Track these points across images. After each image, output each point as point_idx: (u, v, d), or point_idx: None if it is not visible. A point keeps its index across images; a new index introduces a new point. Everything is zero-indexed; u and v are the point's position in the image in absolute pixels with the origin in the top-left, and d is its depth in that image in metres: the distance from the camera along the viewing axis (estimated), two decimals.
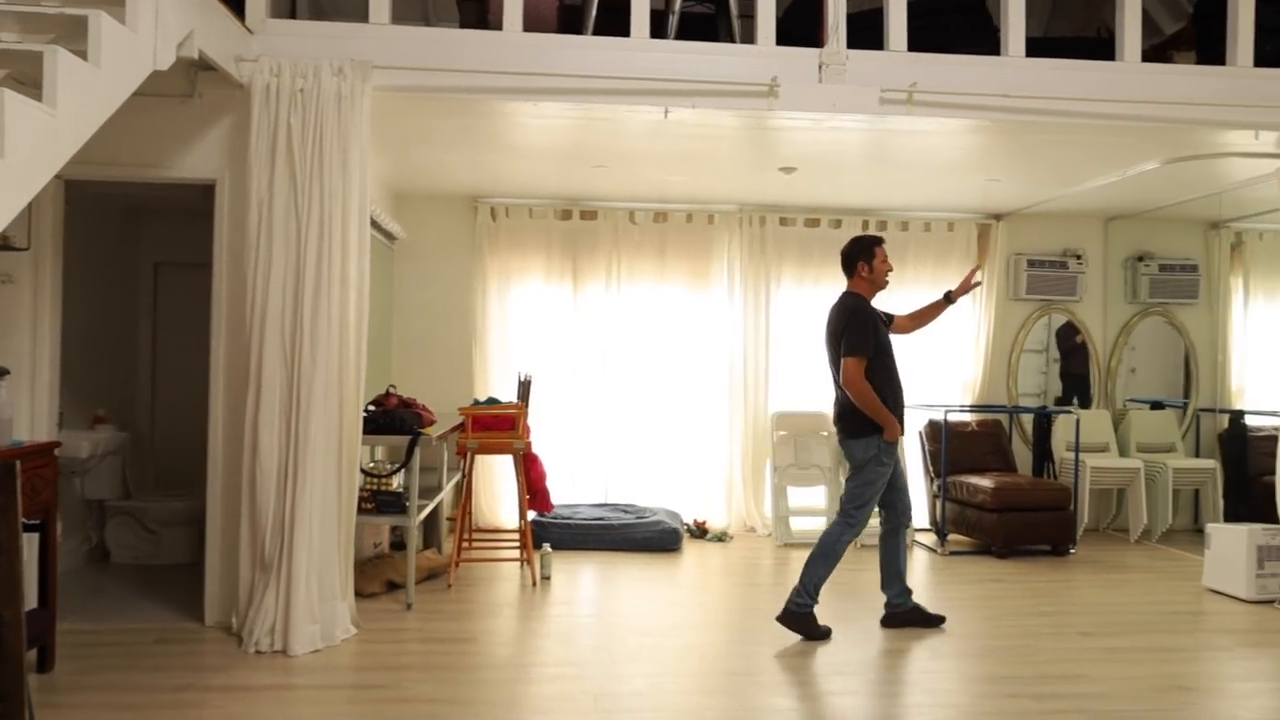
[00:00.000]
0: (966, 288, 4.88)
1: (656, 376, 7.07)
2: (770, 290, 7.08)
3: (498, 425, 5.55)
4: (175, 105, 4.43)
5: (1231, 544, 5.17)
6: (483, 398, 6.28)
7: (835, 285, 7.02)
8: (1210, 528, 5.36)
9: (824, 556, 4.47)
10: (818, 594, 4.44)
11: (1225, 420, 7.21)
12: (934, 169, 5.90)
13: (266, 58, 4.23)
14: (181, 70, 4.14)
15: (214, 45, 3.99)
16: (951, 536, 6.69)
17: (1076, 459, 6.52)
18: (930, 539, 6.77)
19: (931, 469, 6.88)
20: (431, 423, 5.12)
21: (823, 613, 4.55)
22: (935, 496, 6.82)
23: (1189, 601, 5.15)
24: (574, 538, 6.28)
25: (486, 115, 4.84)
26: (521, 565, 5.78)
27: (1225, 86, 4.83)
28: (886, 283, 4.65)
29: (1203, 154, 5.29)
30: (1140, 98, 4.73)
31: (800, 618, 4.41)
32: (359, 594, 4.66)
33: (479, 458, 6.45)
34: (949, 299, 4.90)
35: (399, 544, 5.86)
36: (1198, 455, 7.22)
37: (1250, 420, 6.99)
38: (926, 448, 6.95)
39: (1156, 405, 7.38)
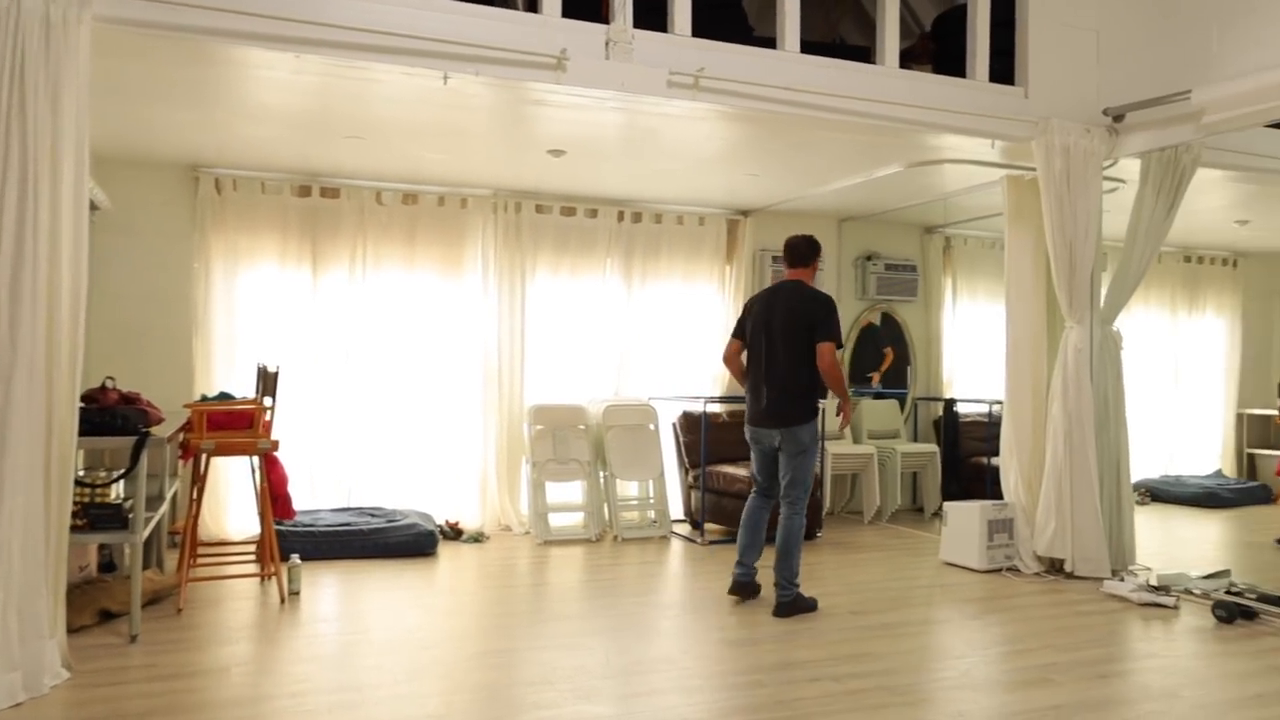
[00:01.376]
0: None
1: (405, 369, 6.59)
2: (526, 279, 6.82)
3: (233, 423, 4.88)
4: None
5: (965, 520, 5.61)
6: (210, 393, 5.52)
7: (592, 275, 7.03)
8: (947, 506, 5.79)
9: (794, 548, 4.61)
10: (798, 576, 4.60)
11: (939, 408, 7.90)
12: (697, 160, 5.92)
13: None
14: None
15: None
16: (708, 526, 6.80)
17: (823, 447, 6.84)
18: (686, 529, 6.83)
19: (686, 460, 6.94)
20: (159, 421, 4.38)
21: (608, 615, 4.38)
22: (691, 487, 6.89)
23: (933, 575, 5.52)
24: (318, 546, 5.68)
25: (223, 66, 4.20)
26: (263, 581, 5.12)
27: (967, 96, 5.21)
28: None
29: (943, 159, 5.69)
30: (901, 100, 4.99)
31: (792, 604, 4.56)
32: (68, 628, 3.87)
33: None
34: None
35: (108, 565, 5.00)
36: (916, 440, 7.85)
37: (961, 408, 7.70)
38: (681, 439, 7.00)
39: (879, 395, 7.93)
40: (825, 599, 4.92)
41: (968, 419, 7.68)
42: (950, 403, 7.67)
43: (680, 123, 5.02)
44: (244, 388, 5.90)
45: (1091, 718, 3.29)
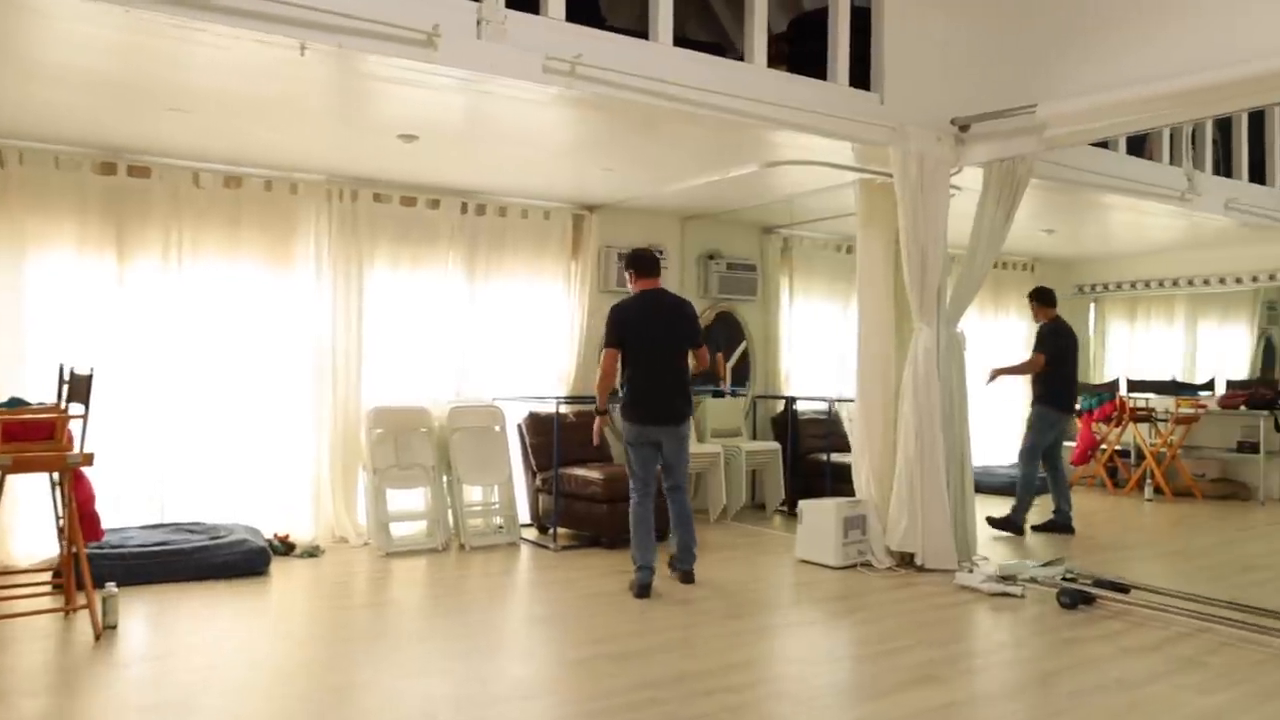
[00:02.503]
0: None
1: (228, 369, 5.98)
2: (364, 272, 6.35)
3: (29, 434, 4.25)
4: None
5: (821, 518, 5.69)
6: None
7: (435, 269, 6.61)
8: (802, 504, 5.85)
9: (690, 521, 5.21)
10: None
11: (777, 406, 8.03)
12: (553, 151, 5.70)
13: None
14: None
15: None
16: (561, 531, 6.58)
17: None
18: (533, 535, 6.59)
19: (534, 462, 6.69)
20: None
21: (471, 634, 4.10)
22: (539, 491, 6.65)
23: (793, 573, 5.56)
24: (131, 571, 5.02)
25: (14, 12, 3.57)
26: (67, 615, 4.46)
27: (830, 99, 5.26)
28: None
29: (799, 160, 5.74)
30: (771, 100, 4.96)
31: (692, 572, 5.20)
32: None
33: None
34: None
35: None
36: (755, 438, 7.95)
37: (800, 405, 7.85)
38: (528, 441, 6.74)
39: (718, 394, 7.97)
40: (696, 602, 4.84)
41: (806, 416, 7.85)
42: (790, 401, 7.81)
43: (541, 110, 4.78)
44: (38, 391, 5.14)
45: (984, 713, 3.35)
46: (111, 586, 4.32)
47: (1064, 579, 5.10)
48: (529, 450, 6.72)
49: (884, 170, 5.81)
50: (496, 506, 6.56)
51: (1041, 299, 7.16)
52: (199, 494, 5.90)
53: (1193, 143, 7.07)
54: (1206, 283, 9.94)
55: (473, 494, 6.55)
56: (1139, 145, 6.91)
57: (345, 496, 6.26)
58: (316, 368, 6.19)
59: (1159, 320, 10.60)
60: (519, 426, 6.77)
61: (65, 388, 4.50)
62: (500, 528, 6.49)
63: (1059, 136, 5.15)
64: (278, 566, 5.52)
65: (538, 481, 6.64)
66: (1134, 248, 9.73)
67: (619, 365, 5.00)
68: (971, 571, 5.25)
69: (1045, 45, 5.36)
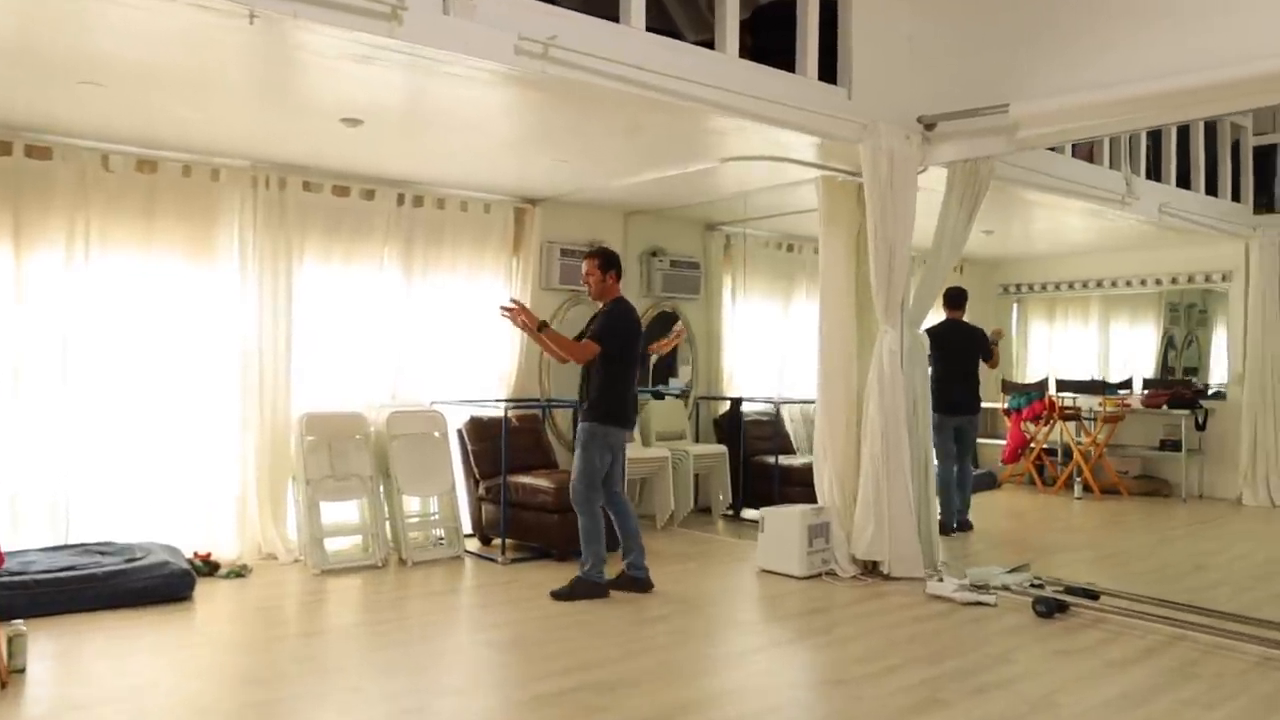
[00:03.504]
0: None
1: (141, 373, 5.44)
2: (293, 267, 5.87)
3: None
4: None
5: (784, 526, 5.50)
6: None
7: (368, 264, 6.15)
8: (764, 511, 5.65)
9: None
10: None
11: (719, 407, 7.83)
12: (505, 140, 5.36)
13: None
14: None
15: None
16: (510, 542, 6.24)
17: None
18: (475, 546, 6.23)
19: (476, 469, 6.31)
20: None
21: (435, 664, 3.75)
22: (481, 500, 6.28)
23: (758, 584, 5.35)
24: (35, 601, 4.46)
25: None
26: None
27: (799, 93, 5.05)
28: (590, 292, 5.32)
29: (761, 156, 5.53)
30: (743, 90, 4.72)
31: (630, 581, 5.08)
32: None
33: None
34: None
35: None
36: (697, 441, 7.73)
37: (745, 407, 7.67)
38: (470, 448, 6.36)
39: (657, 395, 7.73)
40: (668, 622, 4.58)
41: (750, 418, 7.67)
42: (736, 402, 7.61)
43: (501, 95, 4.44)
44: None
45: None
46: (20, 625, 3.80)
47: (1033, 586, 5.04)
48: (471, 457, 6.34)
49: (844, 168, 5.67)
50: (436, 517, 6.16)
51: (946, 300, 7.06)
52: (108, 510, 5.35)
53: (1129, 148, 7.16)
54: (1115, 285, 10.20)
55: (410, 505, 6.13)
56: (1081, 149, 6.96)
57: (274, 510, 5.77)
58: (241, 370, 5.69)
59: (1075, 320, 10.87)
60: (459, 432, 6.38)
61: None
62: (441, 540, 6.09)
63: (1030, 138, 5.07)
64: (201, 589, 5.01)
65: (481, 490, 6.27)
66: (1057, 249, 9.89)
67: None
68: (942, 580, 5.14)
69: (1014, 45, 5.27)
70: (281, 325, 5.80)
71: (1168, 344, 10.41)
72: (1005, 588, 5.03)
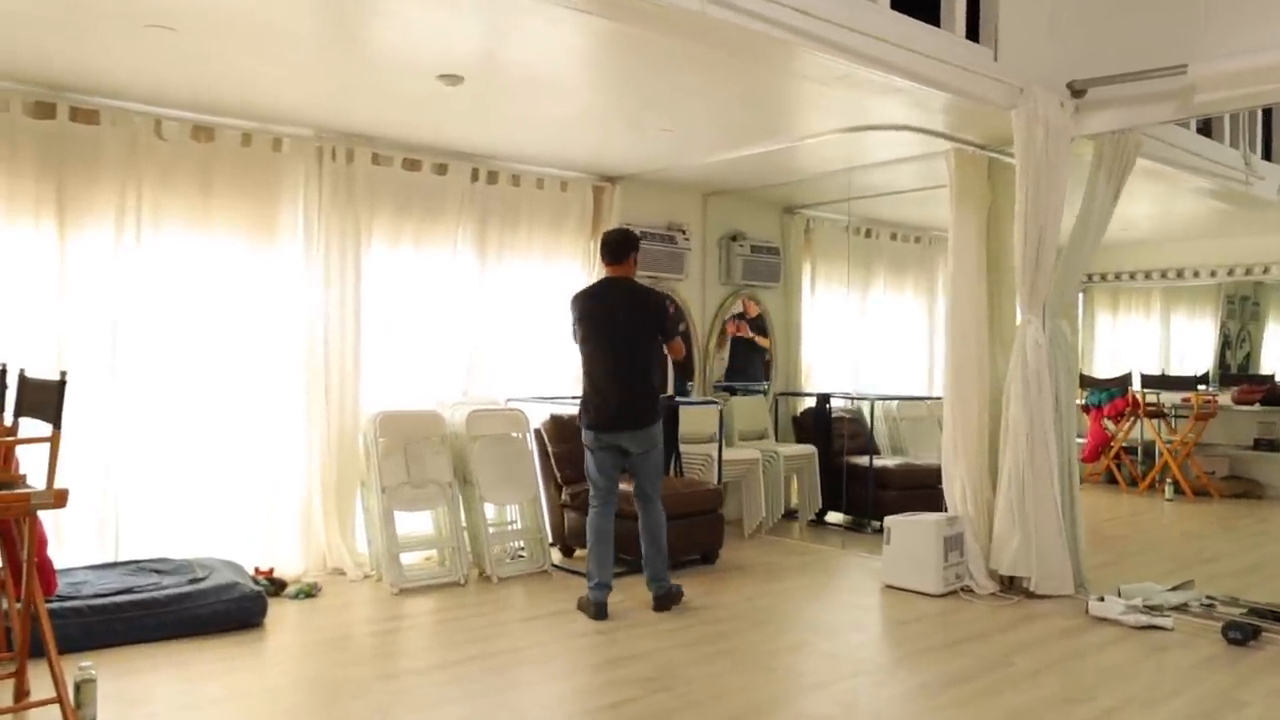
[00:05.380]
0: None
1: (196, 367, 4.85)
2: (362, 249, 5.27)
3: None
4: None
5: (915, 538, 4.94)
6: None
7: (440, 247, 5.54)
8: (891, 521, 5.09)
9: (660, 544, 4.64)
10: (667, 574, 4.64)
11: (801, 404, 7.27)
12: (603, 108, 4.79)
13: None
14: None
15: None
16: (581, 553, 5.67)
17: (720, 452, 5.92)
18: (557, 556, 5.65)
19: (559, 473, 5.72)
20: None
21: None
22: (564, 507, 5.70)
23: (892, 604, 4.79)
24: (90, 631, 3.89)
25: None
26: (18, 710, 3.31)
27: (947, 50, 4.47)
28: None
29: (886, 125, 4.96)
30: (893, 41, 4.15)
31: (669, 594, 4.62)
32: None
33: None
34: None
35: None
36: (776, 440, 7.16)
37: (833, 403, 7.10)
38: (550, 449, 5.77)
39: (729, 390, 7.16)
40: (812, 649, 4.01)
41: (835, 415, 7.10)
42: (824, 398, 7.04)
43: (622, 47, 3.86)
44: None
45: None
46: (87, 667, 3.19)
47: (1205, 604, 4.51)
48: (552, 460, 5.75)
49: (974, 140, 5.13)
50: (517, 527, 5.58)
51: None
52: (161, 521, 4.75)
53: (1247, 124, 6.63)
54: (1181, 275, 9.72)
55: (486, 513, 5.53)
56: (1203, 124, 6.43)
57: (342, 519, 5.18)
58: (305, 363, 5.10)
59: (1138, 313, 10.37)
60: (539, 433, 5.79)
61: (12, 397, 3.36)
62: (521, 552, 5.51)
63: (1208, 103, 4.51)
64: (271, 613, 4.42)
65: (564, 496, 5.68)
66: (1131, 235, 9.35)
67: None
68: (1103, 600, 4.58)
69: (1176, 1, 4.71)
70: (350, 313, 5.20)
71: (1226, 338, 9.99)
72: (1180, 608, 4.48)
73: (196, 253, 4.81)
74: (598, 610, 4.43)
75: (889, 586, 5.05)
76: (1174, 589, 4.76)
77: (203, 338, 4.84)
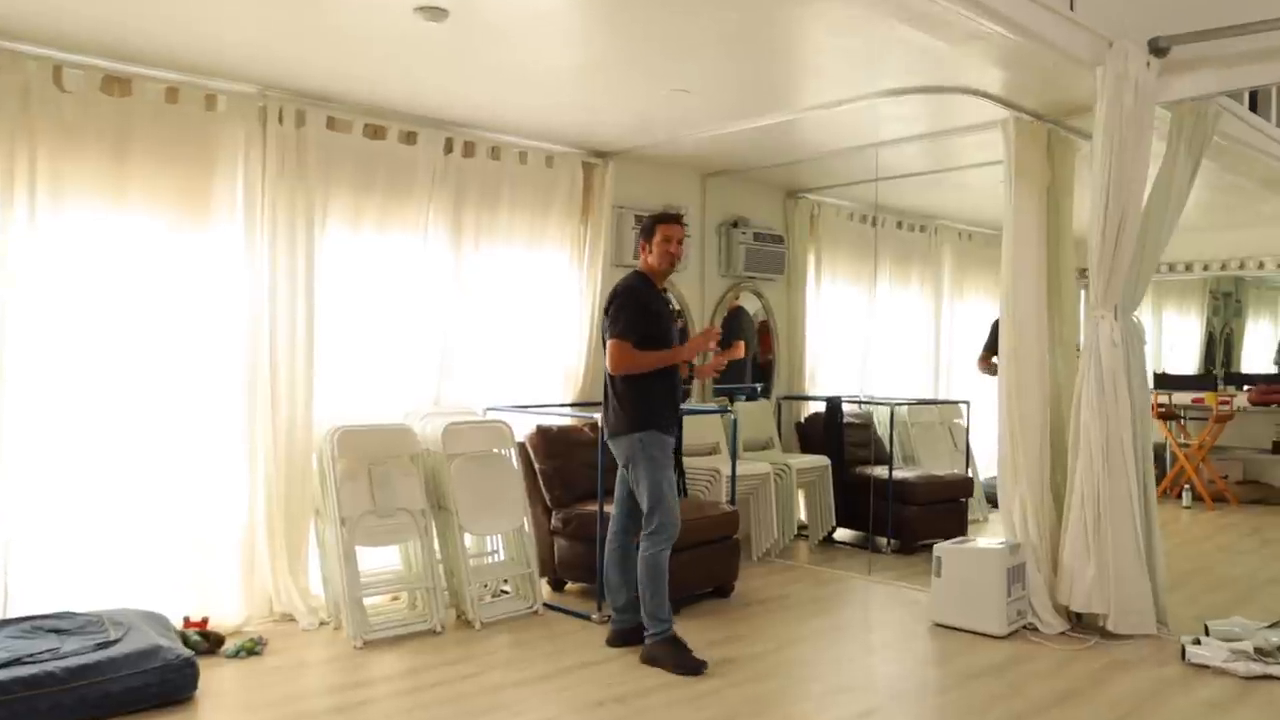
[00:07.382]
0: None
1: (107, 372, 3.93)
2: (315, 232, 4.39)
3: None
4: None
5: (972, 568, 4.23)
6: None
7: (409, 230, 4.67)
8: (939, 549, 4.37)
9: (653, 581, 3.81)
10: (668, 615, 3.83)
11: (803, 409, 6.55)
12: (619, 56, 3.98)
13: None
14: None
15: None
16: (573, 587, 4.88)
17: (734, 468, 5.15)
18: (546, 592, 4.83)
19: (547, 495, 4.90)
20: None
21: None
22: (554, 534, 4.87)
23: (952, 649, 4.07)
24: None
25: None
26: None
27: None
28: (670, 268, 3.99)
29: (947, 86, 4.24)
30: None
31: (665, 644, 3.77)
32: None
33: None
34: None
35: None
36: (781, 449, 6.42)
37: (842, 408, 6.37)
38: (537, 466, 4.95)
39: (730, 394, 6.39)
40: (883, 715, 3.28)
41: (848, 421, 6.38)
42: (835, 402, 6.30)
43: None
44: None
45: None
46: None
47: None
48: (540, 479, 4.93)
49: (1032, 108, 4.45)
50: (500, 559, 4.76)
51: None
52: (62, 565, 3.84)
53: None
54: (1173, 269, 9.27)
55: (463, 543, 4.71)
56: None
57: (291, 557, 4.30)
58: (246, 367, 4.21)
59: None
60: (523, 447, 4.96)
61: None
62: (505, 590, 4.70)
63: None
64: (204, 679, 3.53)
65: (554, 522, 4.86)
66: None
67: None
68: (1199, 642, 3.92)
69: None
70: (301, 308, 4.33)
71: (1211, 335, 9.67)
72: None
73: (107, 233, 3.88)
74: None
75: (939, 625, 4.34)
76: (1270, 626, 4.12)
77: (116, 338, 3.92)
